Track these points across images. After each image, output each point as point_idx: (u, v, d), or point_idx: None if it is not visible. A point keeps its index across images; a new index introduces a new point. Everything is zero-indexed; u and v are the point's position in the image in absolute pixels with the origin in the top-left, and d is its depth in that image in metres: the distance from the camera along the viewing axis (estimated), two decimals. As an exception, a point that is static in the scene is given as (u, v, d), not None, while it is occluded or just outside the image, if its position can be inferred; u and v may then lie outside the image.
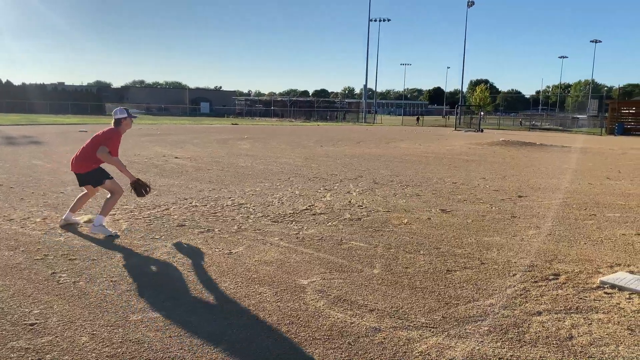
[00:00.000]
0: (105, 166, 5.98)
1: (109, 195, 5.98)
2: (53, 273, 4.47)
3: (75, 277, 4.39)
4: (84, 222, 6.16)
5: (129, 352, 3.10)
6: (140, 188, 6.03)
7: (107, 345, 3.17)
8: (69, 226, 6.04)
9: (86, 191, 6.13)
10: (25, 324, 3.45)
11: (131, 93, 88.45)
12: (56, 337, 3.28)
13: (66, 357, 3.04)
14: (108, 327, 3.42)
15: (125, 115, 5.92)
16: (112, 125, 5.90)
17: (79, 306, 3.78)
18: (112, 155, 5.78)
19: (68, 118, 45.19)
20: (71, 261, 4.81)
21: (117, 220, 6.46)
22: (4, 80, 66.72)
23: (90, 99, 69.79)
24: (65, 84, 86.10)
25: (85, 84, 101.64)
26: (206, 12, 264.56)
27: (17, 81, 74.61)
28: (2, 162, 12.30)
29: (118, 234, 5.80)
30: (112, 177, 5.98)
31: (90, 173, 5.85)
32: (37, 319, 3.53)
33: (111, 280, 4.32)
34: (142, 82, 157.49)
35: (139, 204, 7.41)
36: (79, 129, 28.82)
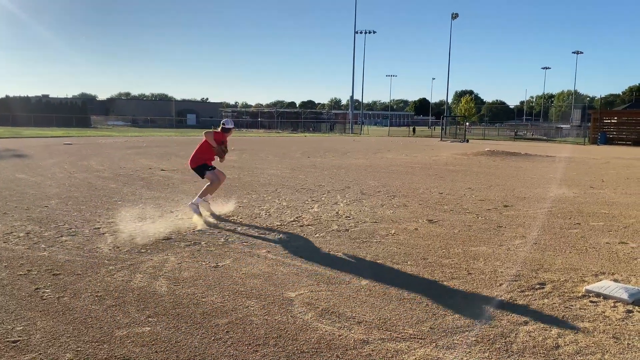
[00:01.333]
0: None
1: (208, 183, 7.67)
2: (37, 289, 4.40)
3: (60, 292, 4.33)
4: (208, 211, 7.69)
5: (114, 369, 3.05)
6: (222, 153, 7.82)
7: (92, 362, 3.12)
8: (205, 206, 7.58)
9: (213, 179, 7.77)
10: (8, 341, 3.39)
11: (117, 105, 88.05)
12: (40, 354, 3.22)
13: (50, 374, 2.99)
14: (93, 343, 3.37)
15: (232, 125, 8.03)
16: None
17: (63, 322, 3.72)
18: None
19: (52, 131, 44.77)
20: (55, 276, 4.74)
21: (103, 234, 6.39)
22: (-13, 93, 65.93)
23: (75, 111, 69.38)
24: (50, 96, 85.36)
25: (70, 96, 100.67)
26: (192, 24, 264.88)
27: (0, 94, 73.79)
28: (-16, 175, 12.12)
29: (201, 216, 7.24)
30: (212, 169, 7.77)
31: (195, 169, 7.76)
32: (20, 336, 3.47)
33: (96, 295, 4.27)
34: (127, 94, 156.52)
35: (125, 217, 7.34)
36: (64, 141, 28.58)
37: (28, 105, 66.85)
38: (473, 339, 3.56)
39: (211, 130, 7.89)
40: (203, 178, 7.80)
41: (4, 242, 5.88)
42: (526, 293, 4.51)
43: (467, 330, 3.69)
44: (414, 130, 63.71)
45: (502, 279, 4.91)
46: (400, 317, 3.92)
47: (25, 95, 74.65)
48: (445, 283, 4.75)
